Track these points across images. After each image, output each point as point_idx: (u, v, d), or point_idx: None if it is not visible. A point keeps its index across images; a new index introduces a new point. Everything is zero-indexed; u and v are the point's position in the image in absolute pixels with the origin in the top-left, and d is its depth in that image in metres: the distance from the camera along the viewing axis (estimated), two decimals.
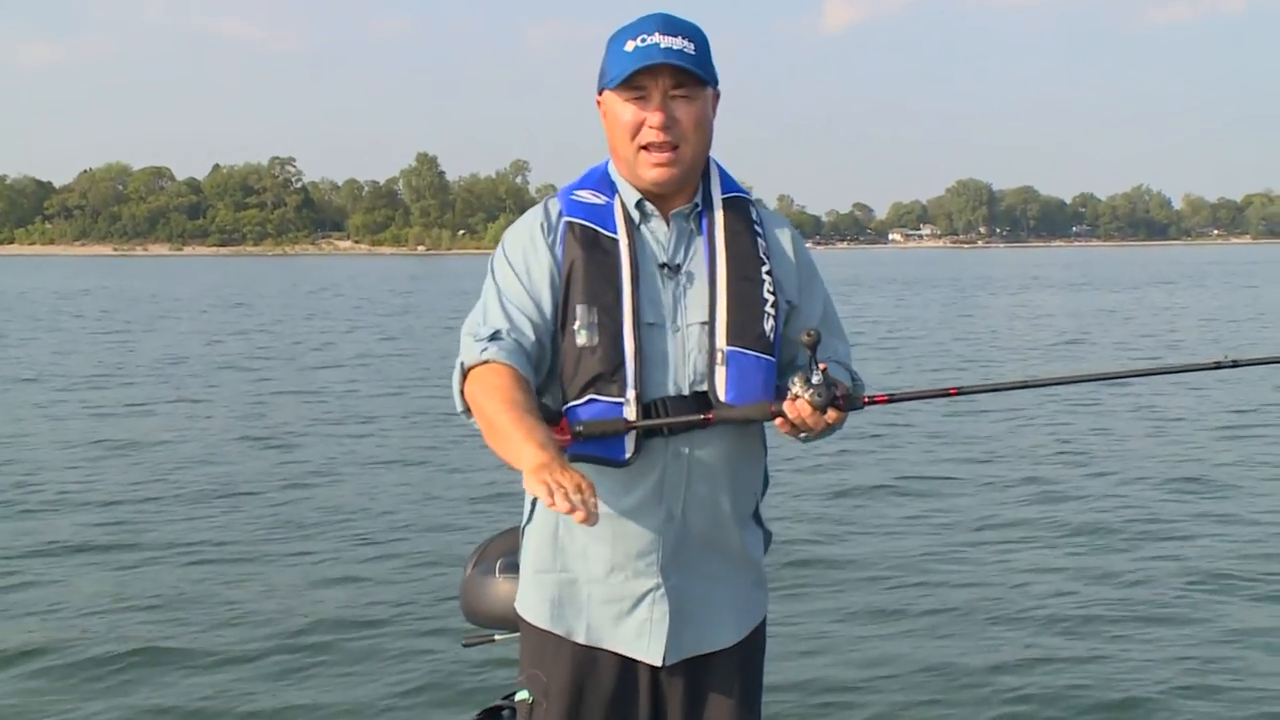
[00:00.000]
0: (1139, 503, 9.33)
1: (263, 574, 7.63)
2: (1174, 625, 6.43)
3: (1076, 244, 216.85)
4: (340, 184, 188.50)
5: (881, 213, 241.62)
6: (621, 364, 2.40)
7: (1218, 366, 2.52)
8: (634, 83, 2.41)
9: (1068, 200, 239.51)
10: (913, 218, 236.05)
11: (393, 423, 13.89)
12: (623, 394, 2.39)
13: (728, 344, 2.42)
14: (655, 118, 2.41)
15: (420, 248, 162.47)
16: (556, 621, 2.54)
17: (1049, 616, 6.59)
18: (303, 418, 14.45)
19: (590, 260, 2.45)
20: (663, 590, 2.47)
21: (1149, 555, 7.79)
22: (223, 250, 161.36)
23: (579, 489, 2.08)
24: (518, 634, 2.90)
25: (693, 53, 2.41)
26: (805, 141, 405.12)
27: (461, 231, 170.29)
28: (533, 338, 2.42)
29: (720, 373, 2.41)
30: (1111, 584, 7.18)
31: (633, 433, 2.39)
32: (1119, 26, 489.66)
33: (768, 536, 2.69)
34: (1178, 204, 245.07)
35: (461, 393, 2.41)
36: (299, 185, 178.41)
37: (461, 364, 2.40)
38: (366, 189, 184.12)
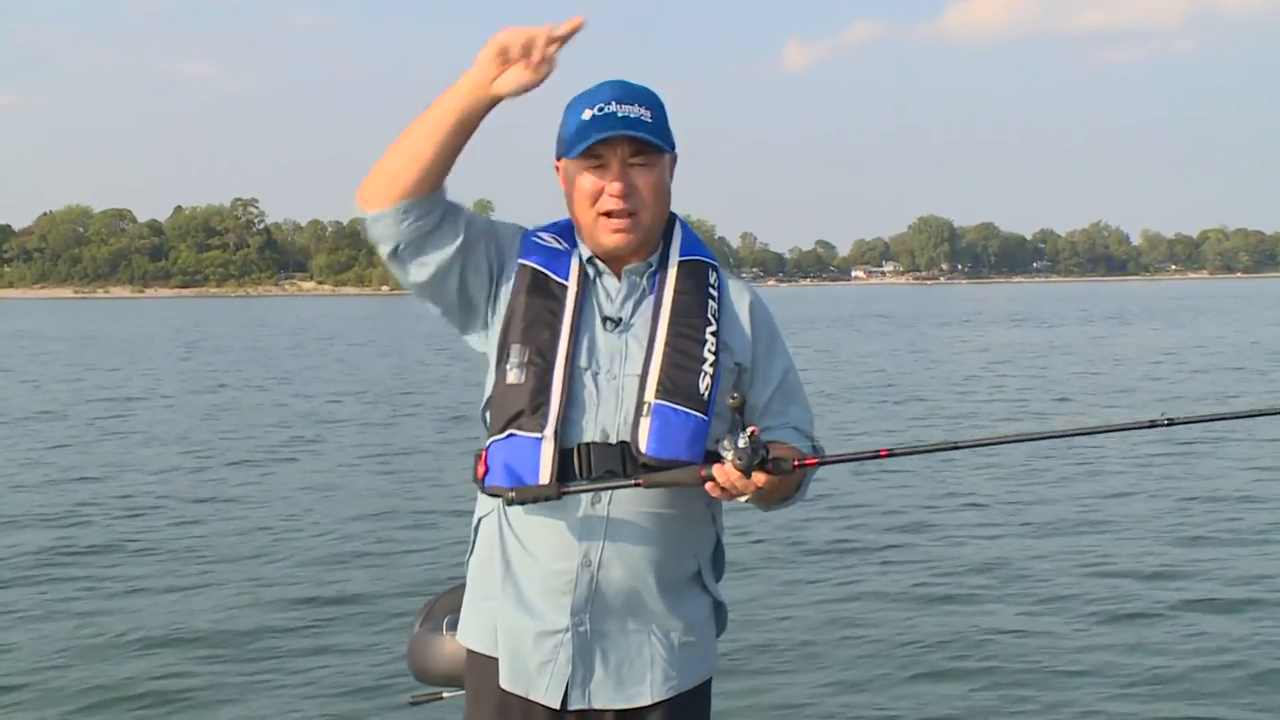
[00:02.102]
0: (1083, 552, 9.43)
1: (209, 618, 7.61)
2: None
3: (1037, 280, 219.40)
4: (303, 224, 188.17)
5: (844, 250, 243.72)
6: (545, 403, 2.42)
7: (1153, 425, 2.49)
8: (592, 151, 2.44)
9: (1028, 236, 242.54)
10: (875, 255, 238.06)
11: (340, 476, 13.74)
12: (541, 430, 2.41)
13: (655, 397, 2.42)
14: (614, 186, 2.45)
15: (384, 288, 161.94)
16: (489, 646, 2.55)
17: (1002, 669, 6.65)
18: (246, 466, 14.38)
19: (533, 304, 2.49)
20: (570, 633, 2.46)
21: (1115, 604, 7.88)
22: (185, 292, 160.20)
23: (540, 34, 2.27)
24: (465, 691, 2.93)
25: (649, 120, 2.44)
26: (768, 180, 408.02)
27: None
28: (462, 213, 2.50)
29: (644, 424, 2.41)
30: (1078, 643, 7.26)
31: (549, 469, 2.41)
32: (1074, 65, 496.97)
33: (719, 608, 2.66)
34: (1136, 240, 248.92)
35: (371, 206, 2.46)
36: (262, 226, 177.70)
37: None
38: (330, 229, 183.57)
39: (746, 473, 2.26)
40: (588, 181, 2.47)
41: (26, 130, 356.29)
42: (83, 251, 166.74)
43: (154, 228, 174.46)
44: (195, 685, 6.46)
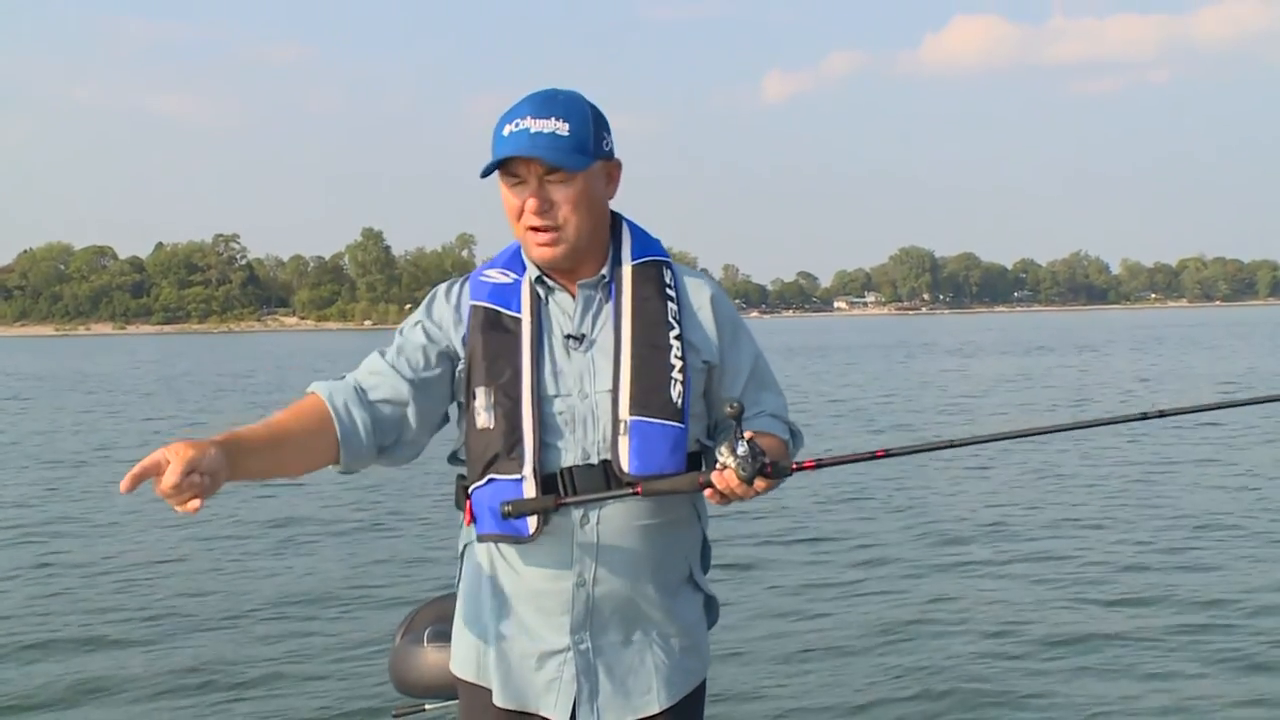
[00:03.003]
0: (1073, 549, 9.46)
1: (187, 640, 7.56)
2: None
3: (1018, 309, 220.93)
4: (285, 260, 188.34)
5: (826, 281, 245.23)
6: (519, 442, 2.40)
7: (1144, 417, 2.52)
8: (509, 169, 2.41)
9: (1009, 266, 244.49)
10: (857, 285, 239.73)
11: (318, 492, 13.69)
12: (519, 471, 2.40)
13: (630, 414, 2.40)
14: (531, 203, 2.40)
15: (367, 322, 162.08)
16: (481, 674, 2.54)
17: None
18: (222, 492, 14.30)
19: (490, 342, 2.46)
20: (572, 653, 2.46)
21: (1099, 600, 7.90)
22: (167, 328, 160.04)
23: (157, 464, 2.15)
24: (448, 703, 2.92)
25: (565, 134, 2.38)
26: (750, 211, 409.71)
27: (408, 306, 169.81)
28: (384, 395, 2.46)
29: (623, 443, 2.40)
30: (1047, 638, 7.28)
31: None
32: (1053, 95, 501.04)
33: (710, 602, 2.67)
34: (1115, 269, 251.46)
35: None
36: (243, 262, 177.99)
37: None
38: (312, 264, 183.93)
39: (749, 481, 2.26)
40: (510, 198, 2.44)
41: (4, 166, 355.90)
42: (64, 289, 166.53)
43: (135, 264, 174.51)
44: (174, 702, 6.40)
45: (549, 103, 2.41)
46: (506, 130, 2.40)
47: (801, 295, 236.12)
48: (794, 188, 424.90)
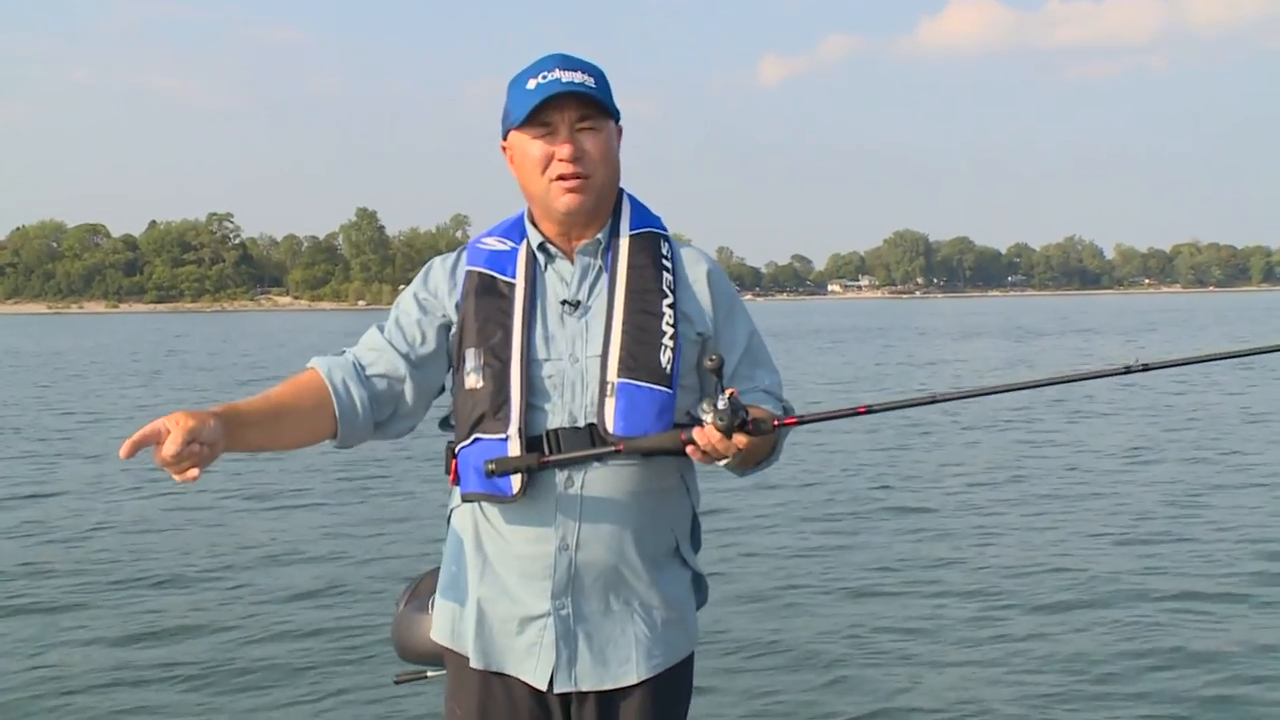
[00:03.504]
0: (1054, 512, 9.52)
1: (192, 607, 7.60)
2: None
3: (1012, 293, 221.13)
4: (279, 239, 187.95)
5: (820, 264, 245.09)
6: (506, 401, 2.42)
7: (1128, 371, 2.53)
8: (540, 119, 2.43)
9: (1003, 250, 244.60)
10: (851, 269, 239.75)
11: (323, 461, 13.75)
12: (505, 430, 2.42)
13: (618, 376, 2.42)
14: (564, 150, 2.43)
15: (361, 302, 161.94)
16: (458, 640, 2.56)
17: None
18: (219, 469, 14.32)
19: (483, 306, 2.50)
20: (552, 617, 2.47)
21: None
22: (160, 307, 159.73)
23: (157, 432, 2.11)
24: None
25: (594, 85, 2.45)
26: (744, 194, 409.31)
27: (402, 286, 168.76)
28: (381, 370, 2.52)
29: (609, 404, 2.41)
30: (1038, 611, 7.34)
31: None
32: (1049, 79, 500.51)
33: (699, 581, 2.66)
34: (1109, 254, 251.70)
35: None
36: (237, 241, 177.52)
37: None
38: (306, 244, 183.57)
39: (728, 434, 2.24)
40: (537, 149, 2.46)
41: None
42: (56, 266, 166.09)
43: (128, 242, 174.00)
44: (180, 671, 6.41)
45: (571, 59, 2.48)
46: (532, 84, 2.43)
47: (795, 278, 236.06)
48: (789, 171, 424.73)
